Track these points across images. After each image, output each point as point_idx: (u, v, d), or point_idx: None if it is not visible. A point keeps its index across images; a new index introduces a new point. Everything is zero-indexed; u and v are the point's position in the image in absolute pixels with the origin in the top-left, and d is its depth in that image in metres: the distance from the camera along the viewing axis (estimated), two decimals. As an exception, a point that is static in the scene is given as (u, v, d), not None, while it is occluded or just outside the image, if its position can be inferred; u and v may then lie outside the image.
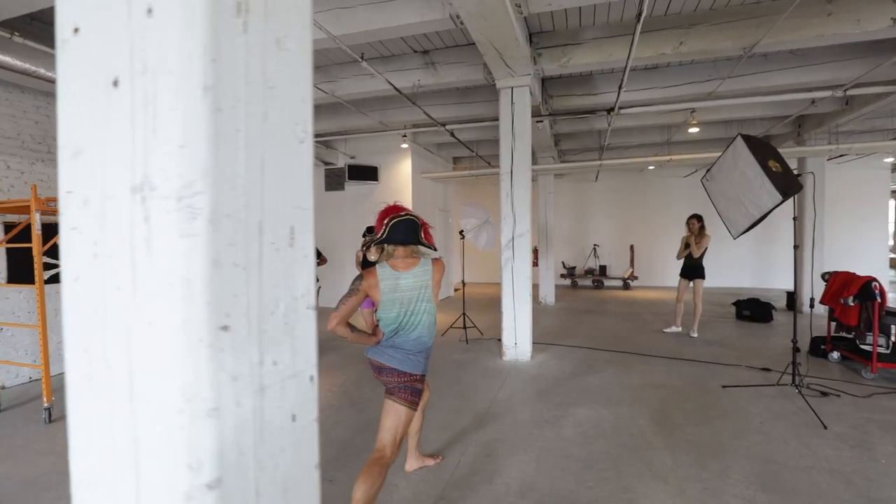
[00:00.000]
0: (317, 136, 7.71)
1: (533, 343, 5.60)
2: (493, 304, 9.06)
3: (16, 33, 3.68)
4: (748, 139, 3.61)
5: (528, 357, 5.07)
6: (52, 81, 4.16)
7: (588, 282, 11.72)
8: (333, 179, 8.79)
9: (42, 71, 4.07)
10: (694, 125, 6.61)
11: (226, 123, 0.80)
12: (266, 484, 0.90)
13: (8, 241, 3.96)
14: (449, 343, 5.90)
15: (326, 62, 5.55)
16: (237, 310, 0.82)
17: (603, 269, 11.65)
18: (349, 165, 8.39)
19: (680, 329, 6.19)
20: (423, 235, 2.18)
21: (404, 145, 7.87)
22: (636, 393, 3.96)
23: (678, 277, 6.02)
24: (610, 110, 5.82)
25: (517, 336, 5.09)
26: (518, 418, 3.43)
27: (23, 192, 4.36)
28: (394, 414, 2.05)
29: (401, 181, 8.51)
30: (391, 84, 5.11)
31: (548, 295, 9.21)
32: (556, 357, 5.21)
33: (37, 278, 3.47)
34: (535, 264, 9.75)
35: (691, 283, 5.85)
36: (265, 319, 0.90)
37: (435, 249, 2.24)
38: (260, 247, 0.89)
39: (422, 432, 2.77)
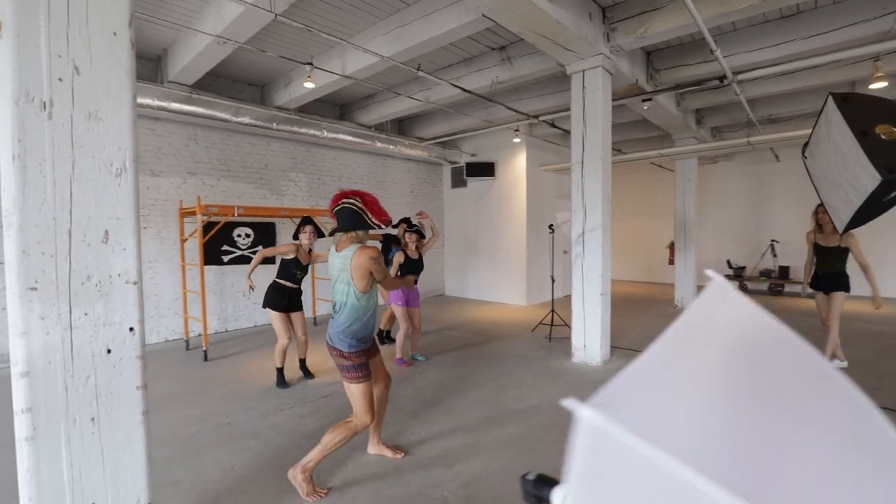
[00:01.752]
0: (434, 138, 8.44)
1: (612, 347, 5.19)
2: (626, 305, 8.41)
3: (194, 92, 5.36)
4: (843, 98, 2.73)
5: (599, 361, 4.73)
6: (228, 121, 5.85)
7: (763, 286, 9.58)
8: (457, 177, 9.45)
9: (224, 115, 5.75)
10: (880, 79, 4.90)
11: (33, 175, 1.38)
12: (76, 386, 1.47)
13: (190, 236, 5.77)
14: (531, 338, 5.89)
15: (408, 77, 6.11)
16: (45, 277, 1.40)
17: (784, 270, 9.34)
18: (467, 163, 8.90)
19: (845, 364, 4.43)
20: (369, 217, 2.45)
21: (516, 140, 7.95)
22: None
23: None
24: (722, 78, 4.83)
25: (586, 338, 4.80)
26: (533, 422, 3.39)
27: (212, 200, 6.25)
28: (347, 390, 2.46)
29: (516, 175, 8.60)
30: (458, 87, 5.37)
31: (686, 297, 8.00)
32: (633, 364, 4.71)
33: (199, 259, 5.05)
34: (671, 262, 8.59)
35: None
36: (76, 286, 1.46)
37: (381, 227, 2.49)
38: (69, 244, 1.45)
39: (382, 422, 2.88)
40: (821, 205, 4.16)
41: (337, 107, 7.77)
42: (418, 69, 4.65)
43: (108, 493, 1.53)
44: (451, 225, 9.87)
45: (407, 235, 4.71)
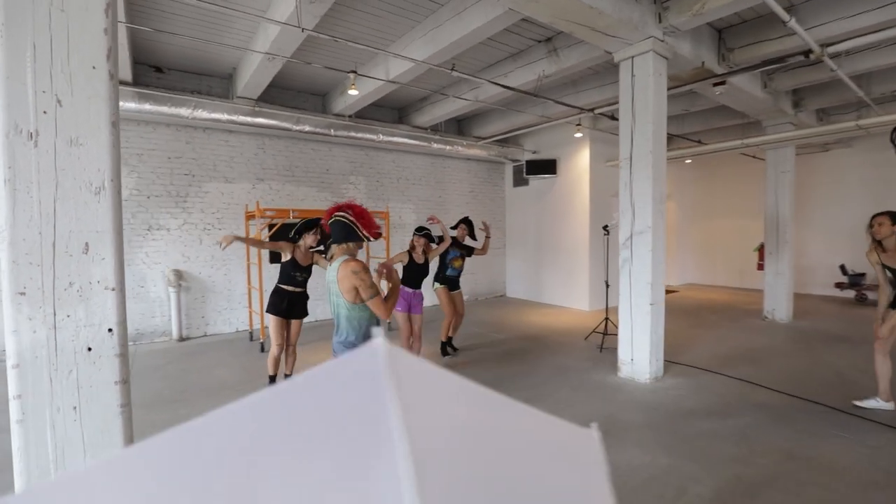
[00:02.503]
0: (491, 136, 8.29)
1: (669, 363, 4.70)
2: (702, 314, 7.63)
3: (257, 105, 5.85)
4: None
5: (648, 378, 4.30)
6: (290, 130, 6.32)
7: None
8: (518, 175, 9.19)
9: (287, 124, 6.23)
10: None
11: (21, 195, 1.61)
12: (60, 378, 1.69)
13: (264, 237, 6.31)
14: (581, 347, 5.54)
15: (455, 77, 6.03)
16: (32, 284, 1.63)
17: (920, 277, 7.68)
18: (527, 161, 8.62)
19: (891, 406, 3.49)
20: (360, 229, 2.48)
21: (578, 134, 7.51)
22: (774, 465, 2.94)
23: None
24: (808, 53, 4.08)
25: (634, 351, 4.39)
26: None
27: (278, 203, 6.79)
28: None
29: (579, 172, 8.13)
30: (499, 85, 5.20)
31: (777, 308, 6.94)
32: (692, 386, 4.20)
33: (258, 257, 5.51)
34: (760, 266, 7.53)
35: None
36: (60, 292, 1.67)
37: (369, 239, 2.50)
38: (53, 254, 1.66)
39: None
40: (879, 215, 3.34)
41: (395, 110, 7.99)
42: (452, 69, 4.59)
43: (89, 474, 1.74)
44: (513, 225, 9.64)
45: (415, 238, 4.58)
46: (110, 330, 1.77)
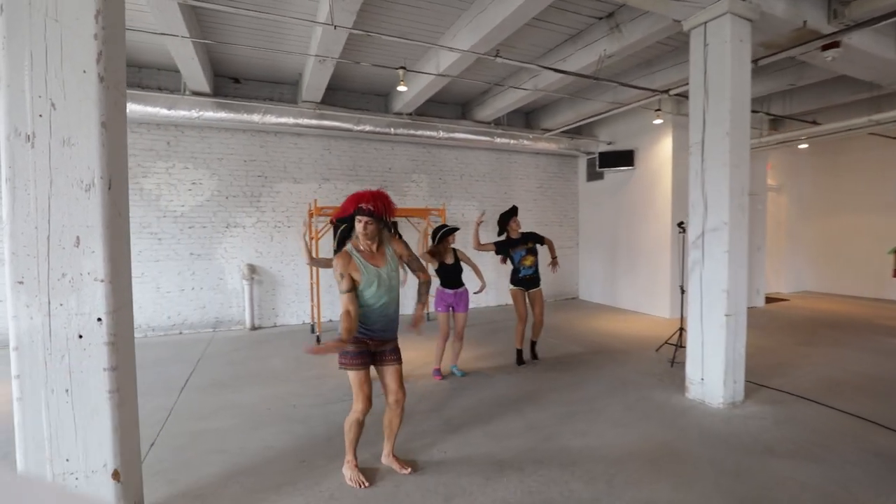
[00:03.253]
0: (559, 128, 7.75)
1: (754, 385, 3.97)
2: (814, 328, 6.47)
3: (318, 107, 6.10)
4: None
5: (721, 402, 3.63)
6: (351, 130, 6.52)
7: None
8: (593, 169, 8.51)
9: (348, 125, 6.44)
10: None
11: (20, 193, 1.76)
12: (54, 362, 1.83)
13: (317, 234, 6.59)
14: (650, 360, 4.92)
15: (513, 67, 5.69)
16: (30, 274, 1.78)
17: None
18: (601, 153, 7.93)
19: None
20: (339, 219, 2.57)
21: (658, 121, 6.71)
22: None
23: None
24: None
25: (704, 370, 3.75)
26: (581, 468, 2.84)
27: (340, 202, 7.04)
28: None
29: (660, 162, 7.28)
30: (557, 70, 4.77)
31: (922, 325, 5.53)
32: (781, 417, 3.46)
33: (316, 252, 5.74)
34: (898, 273, 6.11)
35: None
36: (54, 282, 1.81)
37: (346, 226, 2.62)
38: (48, 247, 1.80)
39: (394, 436, 2.73)
40: None
41: (458, 106, 7.86)
42: (497, 56, 4.32)
43: (80, 453, 1.86)
44: (586, 222, 8.98)
45: (451, 237, 4.35)
46: (99, 319, 1.87)
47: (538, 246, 4.72)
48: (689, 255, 3.91)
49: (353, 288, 2.38)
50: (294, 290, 6.89)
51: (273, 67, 6.06)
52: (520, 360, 4.75)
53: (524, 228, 4.84)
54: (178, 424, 3.38)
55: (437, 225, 4.43)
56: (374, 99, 7.23)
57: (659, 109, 6.47)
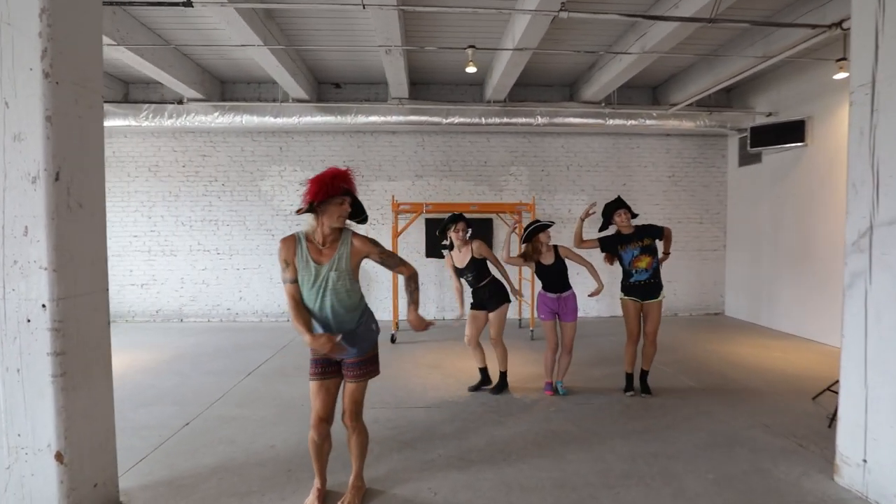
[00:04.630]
0: (690, 99, 6.18)
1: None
2: None
3: (400, 102, 6.01)
4: None
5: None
6: (439, 124, 6.30)
7: None
8: (747, 150, 6.61)
9: (440, 119, 6.24)
10: None
11: (-19, 185, 1.92)
12: (8, 343, 1.97)
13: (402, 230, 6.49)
14: (799, 412, 3.47)
15: (608, 35, 4.62)
16: (-12, 262, 1.94)
17: None
18: (753, 128, 6.08)
19: None
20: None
21: (840, 75, 4.79)
22: None
23: None
24: None
25: (869, 444, 2.39)
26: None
27: (434, 199, 6.87)
28: None
29: (840, 136, 5.20)
30: (664, 18, 3.67)
31: None
32: None
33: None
34: None
35: None
36: (7, 268, 1.96)
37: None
38: (3, 236, 1.95)
39: (356, 459, 2.35)
40: None
41: (565, 87, 6.95)
42: (561, 9, 3.52)
43: (28, 431, 1.97)
44: (737, 218, 7.07)
45: (542, 234, 3.70)
46: (44, 306, 1.95)
47: (657, 242, 3.69)
48: (847, 262, 2.57)
49: (295, 279, 2.10)
50: (387, 286, 6.99)
51: (361, 68, 6.19)
52: (628, 387, 3.83)
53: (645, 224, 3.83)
54: (221, 408, 3.58)
55: (529, 222, 3.86)
56: (470, 89, 6.86)
57: (843, 59, 4.61)
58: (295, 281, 2.10)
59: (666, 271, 7.00)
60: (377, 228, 6.93)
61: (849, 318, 2.52)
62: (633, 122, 6.43)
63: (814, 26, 3.82)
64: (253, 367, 4.64)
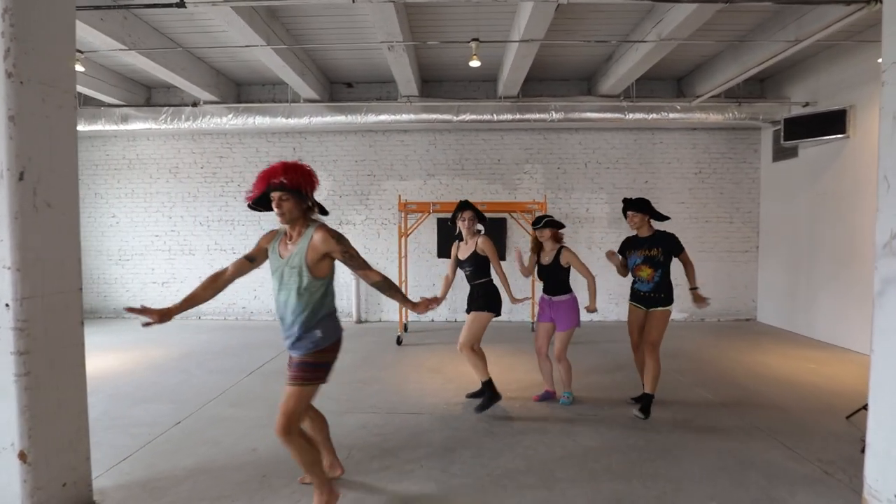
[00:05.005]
0: (722, 92, 5.76)
1: None
2: None
3: (409, 100, 5.90)
4: None
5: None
6: (451, 122, 6.18)
7: None
8: (781, 145, 6.12)
9: (451, 117, 6.11)
10: None
11: (-52, 185, 1.94)
12: None
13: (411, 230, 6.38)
14: (832, 434, 3.13)
15: (624, 24, 4.34)
16: (-43, 261, 1.95)
17: None
18: (787, 120, 5.61)
19: None
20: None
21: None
22: None
23: None
24: None
25: (897, 470, 2.09)
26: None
27: (446, 198, 6.74)
28: None
29: (894, 124, 4.70)
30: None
31: None
32: None
33: (399, 250, 5.56)
34: None
35: None
36: None
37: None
38: None
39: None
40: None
41: (582, 81, 6.67)
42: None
43: (-7, 429, 1.98)
44: (771, 218, 6.58)
45: (544, 231, 3.46)
46: (7, 305, 1.95)
47: (671, 257, 3.29)
48: (877, 267, 2.27)
49: (253, 259, 2.18)
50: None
51: (371, 67, 6.13)
52: (644, 411, 3.37)
53: (670, 227, 3.48)
54: (215, 407, 3.59)
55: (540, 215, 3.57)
56: (483, 86, 6.69)
57: None
58: (249, 259, 2.17)
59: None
60: (389, 228, 6.88)
61: (879, 331, 2.22)
62: (654, 115, 6.08)
63: (848, 2, 3.44)
64: (256, 366, 4.66)
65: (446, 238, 6.66)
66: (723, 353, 5.06)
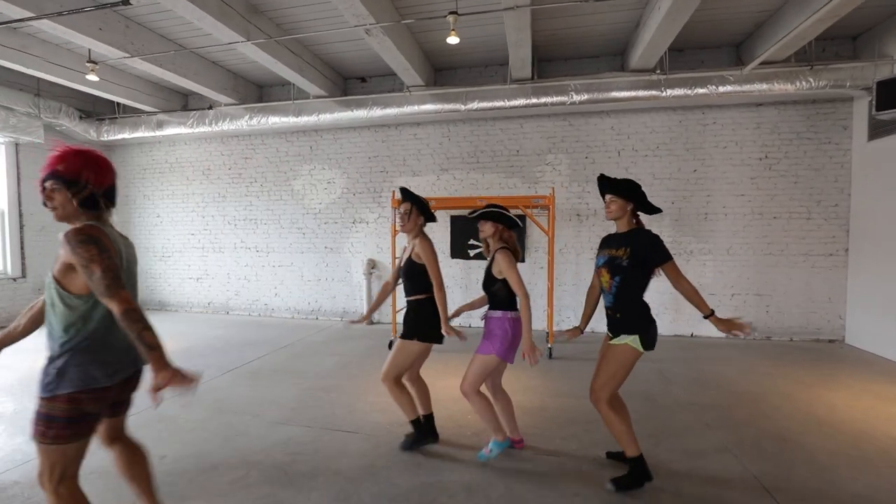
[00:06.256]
0: (783, 51, 4.57)
1: None
2: None
3: (411, 90, 5.52)
4: None
5: None
6: (458, 111, 5.71)
7: None
8: (879, 121, 4.71)
9: (459, 106, 5.65)
10: None
11: None
12: None
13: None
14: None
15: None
16: None
17: None
18: (881, 84, 4.26)
19: None
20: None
21: None
22: None
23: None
24: None
25: None
26: None
27: (460, 193, 6.26)
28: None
29: None
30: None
31: None
32: None
33: (392, 251, 5.21)
34: None
35: None
36: None
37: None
38: None
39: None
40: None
41: (615, 56, 5.78)
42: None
43: None
44: (866, 212, 5.16)
45: (482, 224, 2.63)
46: None
47: (641, 265, 2.28)
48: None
49: None
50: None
51: (377, 58, 5.86)
52: (634, 474, 2.38)
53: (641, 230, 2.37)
54: (166, 406, 3.55)
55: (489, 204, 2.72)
56: (501, 70, 6.10)
57: None
58: None
59: (757, 280, 5.41)
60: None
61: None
62: (699, 90, 5.04)
63: None
64: (237, 365, 4.63)
65: (460, 237, 6.21)
66: (778, 387, 3.97)
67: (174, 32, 5.09)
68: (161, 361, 1.40)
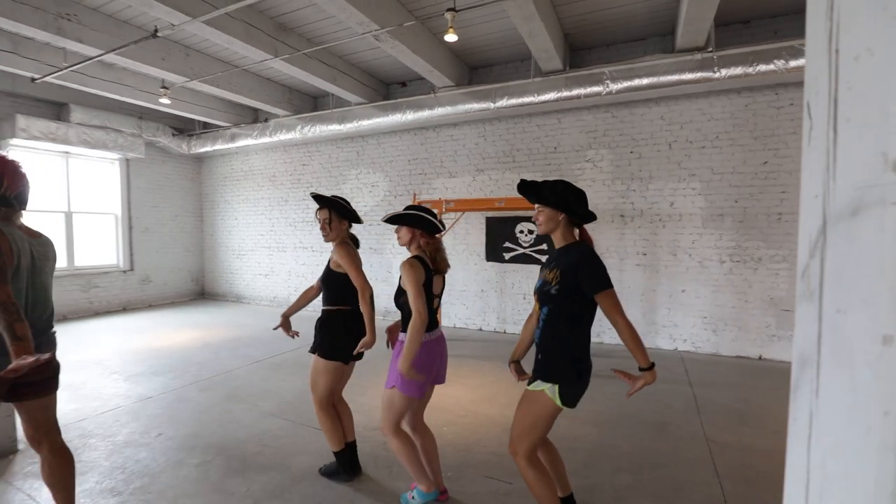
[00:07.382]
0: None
1: None
2: None
3: (438, 91, 5.46)
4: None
5: None
6: (487, 110, 5.54)
7: None
8: None
9: (488, 104, 5.53)
10: None
11: None
12: None
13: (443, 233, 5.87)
14: None
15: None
16: None
17: None
18: None
19: None
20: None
21: None
22: None
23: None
24: None
25: None
26: None
27: (496, 194, 6.06)
28: None
29: None
30: None
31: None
32: None
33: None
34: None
35: None
36: None
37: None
38: None
39: None
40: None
41: (659, 38, 5.12)
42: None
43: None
44: None
45: (398, 231, 2.35)
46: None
47: (573, 290, 1.79)
48: (798, 277, 1.06)
49: None
50: (447, 290, 6.56)
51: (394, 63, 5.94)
52: None
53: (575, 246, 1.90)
54: (187, 392, 4.00)
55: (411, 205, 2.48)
56: (522, 65, 5.77)
57: None
58: None
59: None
60: (438, 228, 6.57)
61: (792, 432, 1.03)
62: (763, 66, 4.25)
63: None
64: (267, 356, 5.04)
65: (496, 239, 6.02)
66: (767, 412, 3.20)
67: (224, 55, 5.70)
68: (23, 353, 1.54)
